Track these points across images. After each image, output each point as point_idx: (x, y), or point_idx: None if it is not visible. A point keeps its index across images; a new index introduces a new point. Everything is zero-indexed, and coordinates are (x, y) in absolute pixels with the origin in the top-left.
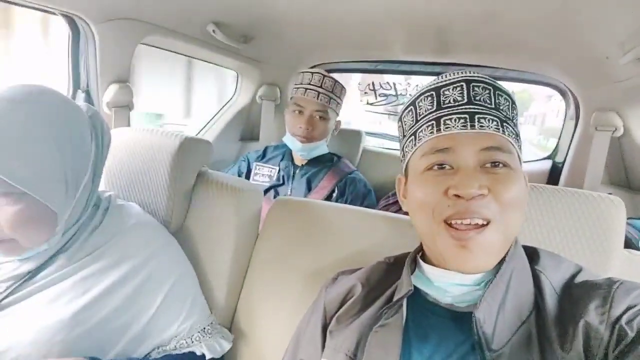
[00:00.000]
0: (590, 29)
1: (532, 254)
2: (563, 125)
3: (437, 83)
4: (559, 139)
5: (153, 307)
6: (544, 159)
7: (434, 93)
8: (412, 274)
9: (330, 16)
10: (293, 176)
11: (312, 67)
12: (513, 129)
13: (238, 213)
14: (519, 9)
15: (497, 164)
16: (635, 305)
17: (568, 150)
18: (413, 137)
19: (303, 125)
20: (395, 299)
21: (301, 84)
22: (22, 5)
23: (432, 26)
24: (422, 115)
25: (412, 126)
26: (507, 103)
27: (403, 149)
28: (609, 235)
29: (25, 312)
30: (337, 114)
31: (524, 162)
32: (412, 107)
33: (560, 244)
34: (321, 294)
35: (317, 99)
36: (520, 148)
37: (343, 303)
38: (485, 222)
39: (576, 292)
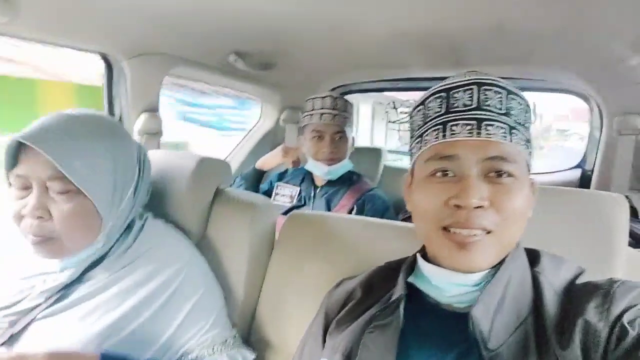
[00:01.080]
0: (601, 32)
1: (533, 256)
2: (590, 133)
3: (449, 84)
4: (587, 146)
5: (179, 319)
6: (574, 167)
7: (444, 94)
8: (412, 274)
9: (347, 39)
10: (313, 197)
11: (332, 90)
12: (523, 134)
13: (253, 227)
14: (527, 19)
15: (501, 173)
16: (636, 305)
17: (596, 158)
18: (420, 139)
19: (326, 149)
20: (390, 301)
21: (313, 109)
22: (60, 46)
23: (445, 42)
24: (430, 118)
25: (420, 127)
26: (520, 107)
27: (411, 148)
28: (612, 233)
29: (60, 325)
30: (352, 132)
31: (555, 172)
32: (422, 106)
33: (564, 244)
34: (324, 300)
35: (334, 120)
36: (530, 154)
37: (344, 306)
38: (485, 232)
39: (577, 293)
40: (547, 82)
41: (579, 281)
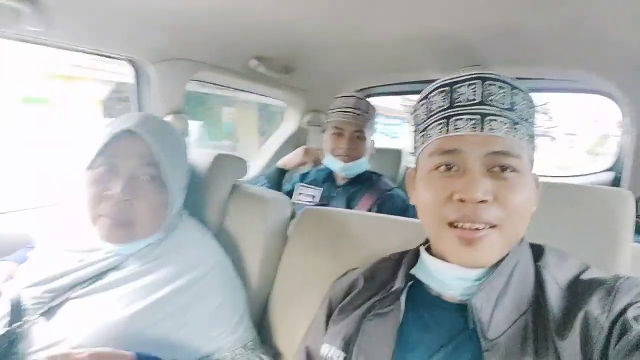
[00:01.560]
0: (614, 31)
1: (538, 251)
2: (622, 135)
3: (453, 79)
4: (619, 149)
5: (202, 320)
6: (606, 170)
7: (448, 89)
8: (414, 266)
9: (363, 43)
10: (335, 196)
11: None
12: (527, 130)
13: (267, 221)
14: (537, 19)
15: (504, 168)
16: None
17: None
18: (423, 133)
19: (344, 146)
20: (390, 291)
21: (338, 108)
22: (91, 53)
23: (461, 44)
24: (433, 112)
25: (424, 121)
26: (524, 102)
27: (414, 142)
28: (617, 229)
29: (95, 306)
30: (372, 134)
31: (587, 174)
32: (425, 100)
33: (568, 239)
34: (329, 288)
35: (355, 119)
36: (533, 149)
37: (347, 295)
38: (489, 227)
39: (581, 288)
40: (570, 82)
41: (584, 277)
